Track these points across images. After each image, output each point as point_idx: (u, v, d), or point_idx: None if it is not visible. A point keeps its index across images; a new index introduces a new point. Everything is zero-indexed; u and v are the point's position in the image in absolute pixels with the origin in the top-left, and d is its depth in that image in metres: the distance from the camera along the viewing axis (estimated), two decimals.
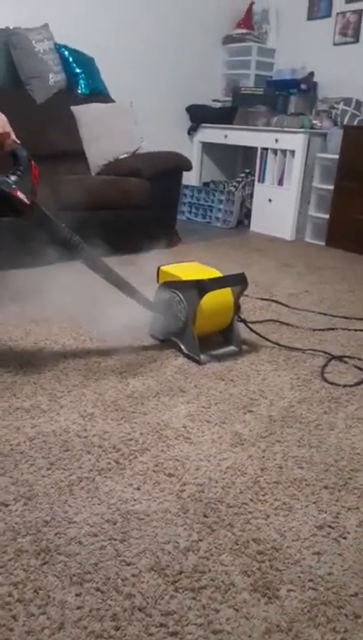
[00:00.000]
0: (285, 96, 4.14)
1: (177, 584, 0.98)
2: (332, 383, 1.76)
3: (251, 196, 4.27)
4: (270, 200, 4.06)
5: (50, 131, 3.34)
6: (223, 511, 1.16)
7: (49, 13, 3.45)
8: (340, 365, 1.90)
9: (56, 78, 3.42)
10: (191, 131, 4.58)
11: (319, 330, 2.20)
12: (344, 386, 1.75)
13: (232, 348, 1.95)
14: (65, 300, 2.06)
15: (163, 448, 1.37)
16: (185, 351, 1.89)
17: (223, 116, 4.30)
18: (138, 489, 1.22)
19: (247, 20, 4.48)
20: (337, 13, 4.02)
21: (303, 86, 4.10)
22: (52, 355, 1.85)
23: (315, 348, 2.02)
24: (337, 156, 3.63)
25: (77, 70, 3.54)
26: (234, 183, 4.45)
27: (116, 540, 1.07)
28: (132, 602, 0.94)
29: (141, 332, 2.04)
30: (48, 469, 1.26)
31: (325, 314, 2.39)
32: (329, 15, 4.07)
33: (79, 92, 3.55)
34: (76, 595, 0.94)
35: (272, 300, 2.52)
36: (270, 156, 4.00)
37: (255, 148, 4.11)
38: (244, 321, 1.99)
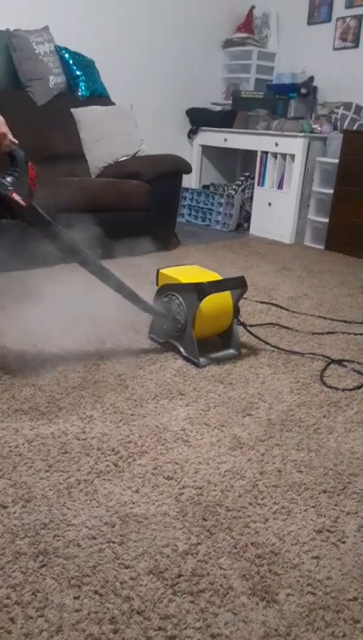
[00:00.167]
0: (285, 100, 4.16)
1: (176, 587, 0.97)
2: (331, 387, 1.76)
3: (250, 199, 4.27)
4: (269, 203, 4.06)
5: (50, 133, 3.35)
6: (222, 514, 1.16)
7: (50, 16, 3.46)
8: (339, 369, 1.90)
9: (56, 80, 3.43)
10: (191, 134, 4.58)
11: (319, 333, 2.20)
12: (343, 390, 1.75)
13: (231, 351, 1.95)
14: (64, 302, 2.05)
15: (162, 451, 1.37)
16: (184, 354, 1.89)
17: (223, 120, 4.31)
18: (137, 492, 1.21)
19: (248, 24, 4.50)
20: (337, 18, 4.04)
21: (303, 90, 4.11)
22: (51, 357, 1.85)
23: (314, 351, 2.02)
24: (337, 161, 3.63)
25: (78, 73, 3.54)
26: (234, 186, 4.46)
27: (114, 542, 1.06)
28: (130, 605, 0.93)
29: (141, 335, 2.04)
30: (47, 472, 1.26)
31: (324, 317, 2.39)
32: (329, 20, 4.09)
33: (79, 94, 3.56)
34: (75, 597, 0.94)
35: (272, 304, 2.52)
36: (270, 159, 4.01)
37: (255, 152, 4.12)
38: (243, 324, 1.99)
